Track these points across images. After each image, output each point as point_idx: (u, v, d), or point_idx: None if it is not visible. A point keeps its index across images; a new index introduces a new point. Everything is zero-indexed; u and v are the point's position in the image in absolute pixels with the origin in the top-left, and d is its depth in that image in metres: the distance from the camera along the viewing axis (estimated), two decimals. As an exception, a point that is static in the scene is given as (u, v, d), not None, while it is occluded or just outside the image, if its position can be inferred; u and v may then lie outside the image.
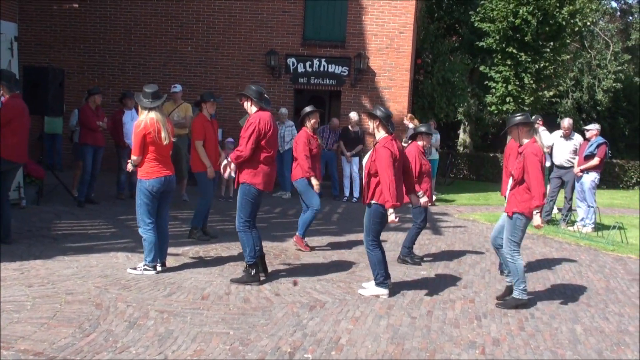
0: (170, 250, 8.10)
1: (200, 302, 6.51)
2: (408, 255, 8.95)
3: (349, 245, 9.80)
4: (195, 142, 9.38)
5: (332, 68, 16.89)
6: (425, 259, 9.16)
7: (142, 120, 7.35)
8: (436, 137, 17.00)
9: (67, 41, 17.33)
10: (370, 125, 7.26)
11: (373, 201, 6.98)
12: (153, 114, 7.36)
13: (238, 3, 16.99)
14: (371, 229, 7.07)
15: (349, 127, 15.10)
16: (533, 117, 14.70)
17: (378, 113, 7.09)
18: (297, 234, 9.36)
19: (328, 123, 15.57)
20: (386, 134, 7.07)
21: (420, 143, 8.93)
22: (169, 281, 7.20)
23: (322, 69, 16.92)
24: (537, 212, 6.85)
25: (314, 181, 9.25)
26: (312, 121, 9.51)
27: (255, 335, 5.67)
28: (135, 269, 7.51)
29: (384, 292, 7.13)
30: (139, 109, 7.51)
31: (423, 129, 9.01)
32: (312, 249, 9.35)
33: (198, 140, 9.33)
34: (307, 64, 16.95)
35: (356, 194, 14.86)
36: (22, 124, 8.26)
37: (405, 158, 7.33)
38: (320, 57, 16.91)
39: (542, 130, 14.72)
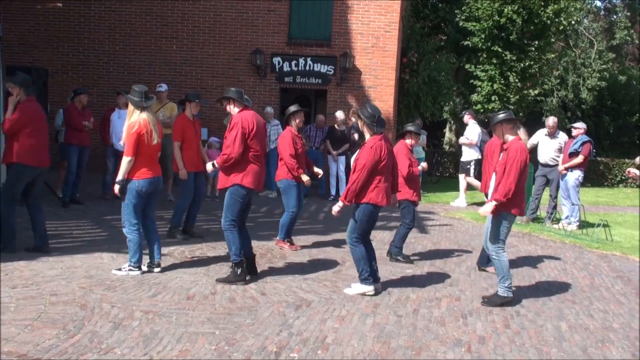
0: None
1: (185, 302, 6.48)
2: (400, 254, 8.96)
3: (335, 244, 9.80)
4: (174, 142, 9.37)
5: (317, 67, 16.89)
6: (411, 257, 9.17)
7: (136, 120, 7.30)
8: (422, 136, 17.09)
9: (50, 41, 17.21)
10: (360, 124, 7.28)
11: (363, 201, 6.98)
12: (145, 115, 7.34)
13: (223, 2, 16.95)
14: (359, 227, 7.06)
15: (335, 126, 15.09)
16: (464, 112, 15.03)
17: (364, 113, 7.10)
18: (277, 237, 9.38)
19: (314, 122, 15.56)
20: (373, 134, 7.08)
21: (408, 141, 8.94)
22: (154, 281, 7.16)
23: (307, 68, 16.92)
24: (491, 204, 6.90)
25: (304, 177, 9.24)
26: (297, 120, 9.50)
27: (241, 335, 5.65)
28: (120, 269, 7.47)
29: (369, 288, 7.13)
30: (129, 108, 7.46)
31: (411, 128, 9.02)
32: (295, 247, 9.35)
33: (176, 141, 9.32)
34: (293, 63, 16.94)
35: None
36: (38, 127, 8.06)
37: (394, 159, 7.34)
38: (306, 56, 16.90)
39: (472, 123, 15.04)
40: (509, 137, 7.05)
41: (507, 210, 6.93)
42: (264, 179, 7.68)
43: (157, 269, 7.59)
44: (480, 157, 14.21)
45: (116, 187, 7.38)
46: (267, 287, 7.21)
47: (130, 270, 7.44)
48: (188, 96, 9.57)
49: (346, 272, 8.08)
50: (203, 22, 17.04)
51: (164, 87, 12.94)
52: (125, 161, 7.29)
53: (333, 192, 15.02)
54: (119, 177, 7.34)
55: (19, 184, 8.00)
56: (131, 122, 7.34)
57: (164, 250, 8.51)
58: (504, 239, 7.06)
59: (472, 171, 14.75)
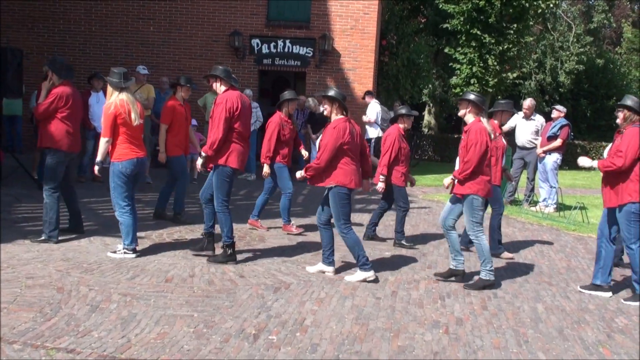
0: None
1: (163, 285, 6.45)
2: (403, 239, 8.97)
3: (314, 226, 9.73)
4: (161, 125, 9.31)
5: (296, 49, 16.81)
6: (388, 239, 9.20)
7: (112, 101, 7.27)
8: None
9: (25, 21, 16.96)
10: (327, 107, 7.26)
11: (330, 183, 6.98)
12: (123, 95, 7.32)
13: (201, -18, 16.78)
14: (340, 212, 7.03)
15: (313, 110, 15.04)
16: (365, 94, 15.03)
17: (331, 93, 7.14)
18: (282, 221, 9.43)
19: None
20: (340, 116, 7.10)
21: (401, 125, 8.95)
22: (132, 264, 7.12)
23: (286, 50, 16.83)
24: (450, 178, 7.06)
25: (265, 168, 9.14)
26: (290, 107, 9.38)
27: (220, 318, 5.64)
28: (115, 252, 7.45)
29: (369, 274, 7.06)
30: (108, 90, 7.43)
31: (403, 111, 9.01)
32: (299, 230, 9.43)
33: (164, 124, 9.25)
34: (272, 45, 16.84)
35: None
36: (72, 112, 7.87)
37: (362, 142, 7.37)
38: (285, 38, 16.80)
39: (373, 102, 15.42)
40: (470, 118, 7.07)
41: (474, 192, 6.96)
42: (247, 159, 7.66)
43: (133, 254, 7.55)
44: (378, 135, 14.70)
45: (96, 168, 7.41)
46: (246, 270, 7.20)
47: (125, 252, 7.42)
48: (179, 80, 9.50)
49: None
50: (180, 3, 16.87)
51: (145, 70, 12.87)
52: (102, 142, 7.30)
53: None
54: (98, 158, 7.35)
55: (59, 168, 7.89)
56: (108, 103, 7.33)
57: (143, 233, 8.46)
58: (479, 221, 7.09)
59: (371, 149, 14.90)
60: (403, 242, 8.96)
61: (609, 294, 7.11)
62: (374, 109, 15.57)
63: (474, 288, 7.04)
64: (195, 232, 8.85)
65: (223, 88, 7.38)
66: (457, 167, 7.45)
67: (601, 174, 7.13)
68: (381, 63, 18.80)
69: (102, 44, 17.00)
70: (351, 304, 6.25)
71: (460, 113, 7.21)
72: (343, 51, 16.78)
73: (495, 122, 8.58)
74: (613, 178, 6.87)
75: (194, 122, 13.49)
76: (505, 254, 8.60)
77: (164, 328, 5.32)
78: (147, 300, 5.98)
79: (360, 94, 16.53)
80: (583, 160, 7.40)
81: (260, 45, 16.84)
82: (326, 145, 6.90)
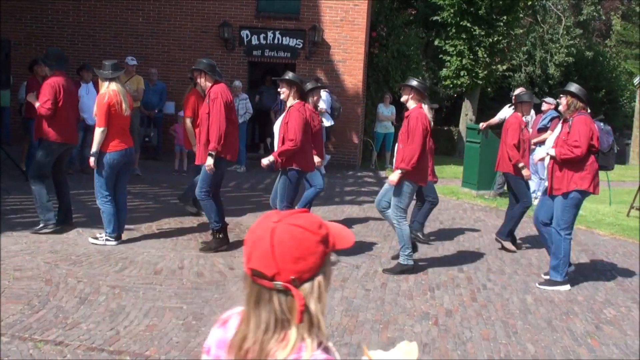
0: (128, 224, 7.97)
1: (152, 277, 6.44)
2: (420, 231, 8.86)
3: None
4: (185, 118, 9.36)
5: (286, 40, 16.73)
6: (376, 231, 9.19)
7: (106, 92, 7.31)
8: (392, 111, 17.14)
9: (13, 11, 16.79)
10: (286, 91, 7.34)
11: (289, 167, 7.14)
12: (114, 86, 7.35)
13: (190, -27, 16.67)
14: (285, 194, 7.16)
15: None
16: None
17: (289, 76, 7.32)
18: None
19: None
20: (297, 100, 7.26)
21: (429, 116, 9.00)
22: (121, 256, 7.10)
23: (276, 41, 16.75)
24: (399, 172, 6.91)
25: (316, 159, 8.98)
26: (315, 98, 9.03)
27: (209, 310, 5.63)
28: (96, 238, 7.47)
29: None
30: (99, 82, 7.45)
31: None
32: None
33: (188, 117, 9.25)
34: (261, 36, 16.75)
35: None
36: (66, 103, 7.78)
37: (316, 124, 7.46)
38: (275, 30, 16.71)
39: (324, 93, 15.42)
40: (412, 104, 7.07)
41: (408, 179, 6.95)
42: (237, 149, 7.66)
43: (115, 242, 7.57)
44: (331, 124, 14.70)
45: (91, 160, 7.38)
46: (235, 262, 7.19)
47: (107, 240, 7.46)
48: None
49: None
50: (170, -6, 16.75)
51: (134, 61, 12.80)
52: (98, 132, 7.31)
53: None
54: (94, 148, 7.34)
55: (47, 160, 7.83)
56: (102, 93, 7.36)
57: (132, 225, 8.43)
58: (405, 207, 7.11)
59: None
60: (419, 234, 8.81)
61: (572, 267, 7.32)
62: (325, 99, 15.53)
63: (392, 272, 7.09)
64: (184, 223, 8.82)
65: (209, 83, 7.40)
66: (395, 155, 7.47)
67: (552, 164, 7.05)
68: (371, 55, 18.75)
69: (91, 35, 16.86)
70: (341, 296, 6.25)
71: (403, 99, 7.22)
72: (333, 43, 16.72)
73: (519, 114, 8.51)
74: (565, 167, 6.83)
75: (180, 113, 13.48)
76: (509, 245, 8.57)
77: (153, 320, 5.30)
78: (135, 292, 5.96)
79: (351, 85, 16.50)
80: (540, 153, 7.30)
81: (249, 37, 16.75)
82: (294, 127, 7.02)
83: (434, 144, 8.93)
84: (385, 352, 2.00)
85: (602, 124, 7.17)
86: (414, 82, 7.10)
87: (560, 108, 7.10)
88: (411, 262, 7.14)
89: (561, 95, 7.11)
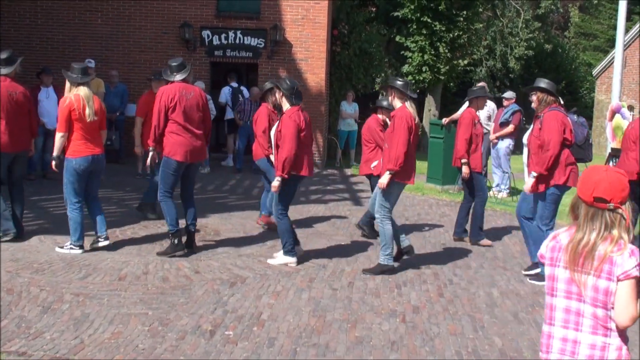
0: (87, 231, 7.81)
1: (117, 283, 6.35)
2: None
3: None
4: (136, 118, 9.51)
5: (247, 40, 16.64)
6: (342, 229, 9.20)
7: (67, 96, 7.20)
8: (354, 108, 17.18)
9: (-33, 15, 16.47)
10: (276, 96, 7.32)
11: (294, 173, 7.03)
12: (80, 90, 7.21)
13: (149, -27, 16.48)
14: (280, 199, 7.11)
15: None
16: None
17: (283, 86, 7.14)
18: (262, 213, 9.18)
19: (248, 96, 15.35)
20: (291, 106, 7.11)
21: (380, 117, 8.97)
22: (84, 263, 6.99)
23: (237, 41, 16.65)
24: (388, 175, 6.90)
25: (272, 157, 8.98)
26: (273, 98, 9.05)
27: (175, 315, 5.57)
28: (62, 247, 7.38)
29: (292, 260, 7.23)
30: (66, 85, 7.28)
31: (384, 103, 9.01)
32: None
33: (139, 117, 9.40)
34: (223, 36, 16.64)
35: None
36: (9, 109, 7.55)
37: (311, 132, 7.43)
38: (236, 29, 16.61)
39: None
40: (397, 104, 7.10)
41: (394, 179, 6.95)
42: (198, 152, 7.51)
43: (105, 242, 7.53)
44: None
45: (53, 163, 7.38)
46: (201, 265, 7.13)
47: (71, 248, 7.34)
48: (154, 75, 9.47)
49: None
50: (128, -6, 16.54)
51: (93, 63, 12.65)
52: (57, 137, 7.22)
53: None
54: (55, 152, 7.29)
55: None
56: (63, 97, 7.26)
57: (93, 232, 8.30)
58: (390, 207, 7.13)
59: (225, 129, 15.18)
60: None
61: None
62: (224, 93, 15.86)
63: (372, 273, 7.08)
64: (149, 228, 8.73)
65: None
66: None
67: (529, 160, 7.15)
68: (333, 53, 18.76)
69: (48, 37, 16.57)
70: (308, 296, 6.24)
71: (389, 100, 7.28)
72: (295, 41, 16.68)
73: (473, 109, 8.57)
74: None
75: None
76: (485, 241, 8.62)
77: (118, 327, 5.24)
78: (100, 299, 5.88)
79: (314, 84, 16.48)
80: (529, 183, 7.15)
81: (211, 37, 16.63)
82: (290, 134, 6.89)
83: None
84: None
85: (575, 116, 7.24)
86: (396, 82, 7.09)
87: (533, 105, 7.16)
88: (391, 262, 7.15)
89: (532, 93, 7.18)
